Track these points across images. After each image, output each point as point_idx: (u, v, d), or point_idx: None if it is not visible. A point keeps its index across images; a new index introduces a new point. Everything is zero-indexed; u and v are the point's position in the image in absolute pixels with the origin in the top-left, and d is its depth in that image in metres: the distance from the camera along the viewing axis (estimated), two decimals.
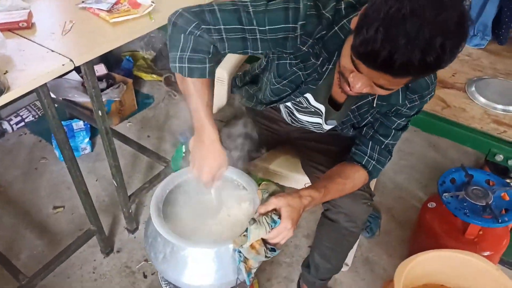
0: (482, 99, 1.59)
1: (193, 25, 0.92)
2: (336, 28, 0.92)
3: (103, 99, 2.17)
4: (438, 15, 0.71)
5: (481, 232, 1.44)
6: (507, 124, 1.48)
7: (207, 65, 0.94)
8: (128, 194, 1.66)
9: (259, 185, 1.05)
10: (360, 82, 0.87)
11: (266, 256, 0.94)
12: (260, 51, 0.99)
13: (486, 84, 1.66)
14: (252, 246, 0.94)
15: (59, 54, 1.15)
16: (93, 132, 2.21)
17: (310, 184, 1.36)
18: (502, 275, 1.25)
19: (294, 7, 0.91)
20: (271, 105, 1.23)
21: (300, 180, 1.39)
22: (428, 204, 1.56)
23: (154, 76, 2.62)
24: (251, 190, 1.06)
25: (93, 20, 1.33)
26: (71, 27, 1.27)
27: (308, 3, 0.91)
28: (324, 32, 0.93)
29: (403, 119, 1.10)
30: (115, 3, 1.38)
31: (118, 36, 1.27)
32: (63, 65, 1.11)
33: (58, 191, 1.95)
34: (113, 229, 1.79)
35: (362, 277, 1.62)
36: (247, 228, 0.93)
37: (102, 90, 2.21)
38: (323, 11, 0.92)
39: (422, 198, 1.92)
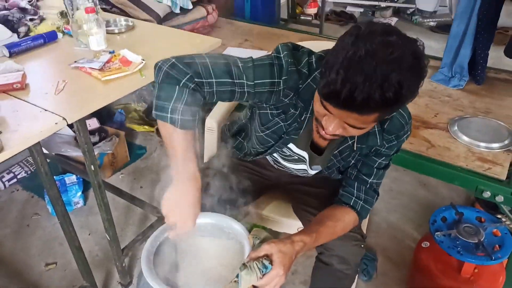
0: (465, 138, 1.64)
1: (187, 77, 0.93)
2: (309, 80, 1.00)
3: (96, 152, 2.21)
4: (391, 54, 0.77)
5: (476, 270, 1.44)
6: (491, 161, 1.52)
7: (197, 118, 0.97)
8: (121, 247, 1.65)
9: (250, 231, 1.06)
10: (332, 124, 0.91)
11: None
12: (244, 100, 1.04)
13: (467, 123, 1.72)
14: None
15: (52, 112, 1.18)
16: (85, 186, 2.21)
17: (303, 228, 1.38)
18: None
19: (278, 64, 0.98)
20: (258, 157, 1.26)
21: (292, 225, 1.40)
22: (422, 244, 1.56)
23: (146, 127, 2.67)
24: (241, 237, 1.06)
25: (85, 78, 1.38)
26: (63, 86, 1.32)
27: (289, 60, 0.99)
28: (301, 85, 1.00)
29: (384, 158, 1.14)
30: (107, 62, 1.44)
31: (109, 93, 1.32)
32: (56, 123, 1.14)
33: (51, 247, 1.93)
34: (106, 284, 1.76)
35: None
36: (237, 274, 0.93)
37: (95, 143, 2.24)
38: (299, 67, 0.99)
39: (416, 238, 1.92)
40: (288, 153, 1.21)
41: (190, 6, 2.40)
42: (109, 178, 2.35)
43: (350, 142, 1.10)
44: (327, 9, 4.14)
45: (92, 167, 1.38)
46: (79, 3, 1.52)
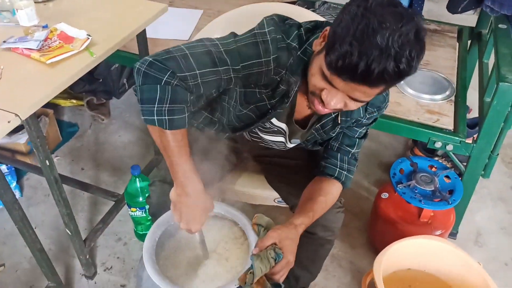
0: (411, 91, 1.73)
1: (168, 74, 0.87)
2: (299, 53, 0.97)
3: (25, 138, 1.98)
4: (402, 26, 0.77)
5: (432, 214, 1.58)
6: (438, 113, 1.63)
7: (186, 115, 0.90)
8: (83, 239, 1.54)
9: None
10: (334, 98, 0.89)
11: None
12: (232, 86, 0.99)
13: (412, 76, 1.80)
14: (257, 283, 0.93)
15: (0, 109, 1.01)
16: (18, 175, 1.99)
17: (280, 198, 1.39)
18: (460, 251, 1.39)
19: (263, 41, 0.93)
20: (237, 133, 1.22)
21: (269, 196, 1.40)
22: (381, 195, 1.66)
23: (74, 101, 2.42)
24: (243, 225, 1.04)
25: (24, 62, 1.19)
26: (1, 74, 1.13)
27: (277, 36, 0.94)
28: (292, 60, 0.96)
29: (364, 128, 1.17)
30: (44, 40, 1.25)
31: (58, 78, 1.15)
32: (8, 121, 0.98)
33: None
34: (69, 278, 1.65)
35: (333, 274, 1.69)
36: (251, 265, 0.93)
37: (21, 127, 1.99)
38: (289, 41, 0.96)
39: (368, 187, 2.05)
40: (268, 126, 1.18)
41: None
42: None
43: (333, 115, 1.10)
44: None
45: (47, 161, 1.23)
46: None
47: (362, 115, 1.10)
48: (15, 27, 1.33)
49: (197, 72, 0.89)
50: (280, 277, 0.97)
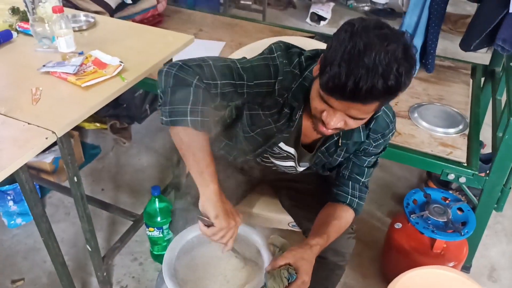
0: (425, 124, 1.78)
1: (197, 78, 0.93)
2: (300, 80, 1.04)
3: (51, 157, 2.07)
4: (387, 45, 0.83)
5: (445, 245, 1.59)
6: (451, 146, 1.67)
7: (212, 120, 0.96)
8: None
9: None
10: (334, 118, 0.94)
11: None
12: (243, 100, 1.08)
13: (425, 110, 1.86)
14: None
15: (38, 126, 1.09)
16: (42, 193, 2.07)
17: (294, 223, 1.42)
18: (473, 283, 1.39)
19: (273, 64, 1.02)
20: (247, 157, 1.27)
21: (283, 220, 1.44)
22: (394, 225, 1.69)
23: (98, 124, 2.53)
24: (258, 244, 1.08)
25: (61, 85, 1.28)
26: (40, 95, 1.22)
27: (283, 61, 1.03)
28: (294, 85, 1.04)
29: (372, 157, 1.20)
30: (80, 65, 1.35)
31: (92, 100, 1.24)
32: (46, 138, 1.06)
33: (14, 263, 1.79)
34: None
35: None
36: (265, 283, 0.96)
37: (48, 147, 2.08)
38: (292, 68, 1.03)
39: (381, 217, 2.07)
40: (277, 151, 1.24)
41: None
42: (65, 182, 2.21)
43: (336, 138, 1.15)
44: None
45: (75, 178, 1.30)
46: (40, 0, 1.39)
47: (363, 139, 1.13)
48: (53, 53, 1.44)
49: (219, 82, 0.97)
50: None
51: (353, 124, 0.96)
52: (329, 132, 1.01)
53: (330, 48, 0.88)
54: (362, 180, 1.22)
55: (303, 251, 1.02)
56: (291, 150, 1.22)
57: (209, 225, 0.95)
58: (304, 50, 1.10)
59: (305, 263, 1.00)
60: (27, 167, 1.12)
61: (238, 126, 1.23)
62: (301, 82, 1.04)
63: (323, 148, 1.18)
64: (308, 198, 1.38)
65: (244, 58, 1.06)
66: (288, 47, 1.08)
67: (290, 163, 1.29)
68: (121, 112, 2.49)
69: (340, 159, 1.21)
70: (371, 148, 1.17)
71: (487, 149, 2.30)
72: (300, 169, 1.31)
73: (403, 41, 0.86)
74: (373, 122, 1.10)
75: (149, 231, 1.71)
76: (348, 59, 0.82)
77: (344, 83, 0.83)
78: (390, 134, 1.16)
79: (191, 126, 0.90)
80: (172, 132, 0.94)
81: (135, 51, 1.49)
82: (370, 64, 0.81)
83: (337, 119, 0.94)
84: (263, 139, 1.18)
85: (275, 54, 1.03)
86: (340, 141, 1.15)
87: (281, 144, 1.21)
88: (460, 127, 1.76)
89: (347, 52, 0.83)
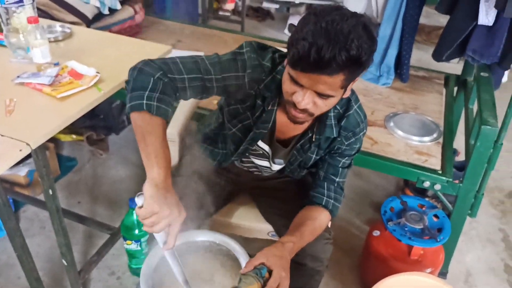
0: (400, 133, 1.82)
1: (160, 72, 0.98)
2: (273, 73, 1.09)
3: (26, 170, 2.03)
4: (347, 21, 0.90)
5: (422, 252, 1.62)
6: (426, 154, 1.71)
7: (170, 109, 0.99)
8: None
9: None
10: (304, 97, 0.98)
11: None
12: (214, 95, 1.11)
13: (401, 119, 1.90)
14: None
15: (11, 138, 1.07)
16: (16, 207, 2.02)
17: (274, 232, 1.43)
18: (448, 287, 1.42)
19: (241, 59, 1.08)
20: (232, 159, 1.29)
21: (263, 229, 1.44)
22: (372, 233, 1.71)
23: (74, 136, 2.48)
24: (239, 251, 1.07)
25: (35, 96, 1.26)
26: (14, 106, 1.19)
27: (252, 56, 1.08)
28: (265, 77, 1.09)
29: (346, 158, 1.23)
30: (55, 76, 1.33)
31: (67, 111, 1.22)
32: (20, 150, 1.04)
33: None
34: None
35: None
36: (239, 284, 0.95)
37: (22, 160, 2.04)
38: (263, 62, 1.09)
39: (359, 225, 2.09)
40: (255, 148, 1.26)
41: (119, 7, 2.27)
42: (40, 195, 2.16)
43: (310, 135, 1.18)
44: None
45: (50, 191, 1.28)
46: (14, 10, 1.37)
47: (335, 135, 1.17)
48: (28, 64, 1.41)
49: (185, 76, 1.02)
50: None
51: (322, 105, 1.00)
52: (301, 116, 1.04)
53: (296, 28, 0.93)
54: (337, 180, 1.24)
55: (275, 249, 1.03)
56: (266, 148, 1.25)
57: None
58: (280, 50, 1.14)
59: (278, 259, 1.00)
60: (0, 180, 1.09)
61: (223, 128, 1.27)
62: (274, 75, 1.09)
63: (298, 145, 1.21)
64: (287, 206, 1.38)
65: (215, 54, 1.10)
66: (262, 47, 1.13)
67: (265, 162, 1.31)
68: (98, 123, 2.46)
69: (314, 156, 1.24)
70: (344, 147, 1.20)
71: (461, 157, 2.36)
72: (275, 167, 1.33)
73: (363, 19, 0.92)
74: (344, 120, 1.15)
75: (127, 244, 1.69)
76: (312, 34, 0.89)
77: (307, 53, 0.88)
78: (361, 133, 1.20)
79: (145, 109, 0.93)
80: (131, 119, 0.97)
81: (112, 61, 1.48)
82: (332, 35, 0.87)
83: (307, 98, 0.98)
84: (243, 134, 1.21)
85: (244, 50, 1.09)
86: (314, 137, 1.18)
87: (259, 142, 1.23)
88: (435, 135, 1.80)
89: (311, 29, 0.89)
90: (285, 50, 1.11)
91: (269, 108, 1.13)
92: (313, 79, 0.93)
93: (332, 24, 0.88)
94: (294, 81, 0.97)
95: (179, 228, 0.94)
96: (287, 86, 1.01)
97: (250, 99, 1.13)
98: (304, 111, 1.02)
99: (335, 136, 1.17)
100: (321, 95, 0.97)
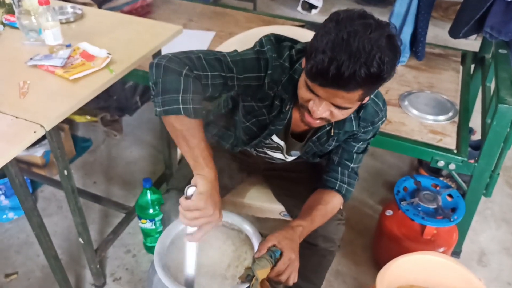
0: (415, 112, 1.79)
1: (187, 68, 0.95)
2: (290, 72, 1.06)
3: (42, 151, 2.06)
4: (371, 33, 0.85)
5: (435, 232, 1.61)
6: (441, 133, 1.69)
7: (203, 107, 0.97)
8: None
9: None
10: (319, 107, 0.96)
11: None
12: (234, 92, 1.10)
13: (416, 97, 1.87)
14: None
15: (26, 120, 1.08)
16: (33, 187, 2.06)
17: (286, 212, 1.44)
18: (462, 267, 1.42)
19: (264, 58, 1.04)
20: (245, 147, 1.29)
21: (275, 210, 1.45)
22: (385, 213, 1.70)
23: (88, 117, 2.51)
24: (251, 232, 1.08)
25: (48, 78, 1.27)
26: (28, 88, 1.21)
27: (273, 55, 1.04)
28: (283, 78, 1.06)
29: (361, 143, 1.22)
30: (68, 58, 1.34)
31: (80, 93, 1.23)
32: (34, 132, 1.05)
33: (6, 257, 1.79)
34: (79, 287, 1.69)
35: None
36: (252, 270, 0.96)
37: (38, 141, 2.07)
38: (282, 61, 1.05)
39: (373, 206, 2.09)
40: (268, 141, 1.26)
41: None
42: (57, 175, 2.20)
43: (328, 128, 1.16)
44: None
45: (65, 172, 1.30)
46: None
47: (355, 129, 1.15)
48: (41, 46, 1.42)
49: (209, 73, 0.98)
50: (288, 278, 1.00)
51: (339, 114, 0.98)
52: (316, 123, 1.02)
53: (316, 37, 0.89)
54: (352, 166, 1.23)
55: (285, 232, 1.04)
56: (281, 143, 1.24)
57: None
58: (296, 43, 1.11)
59: (288, 242, 1.02)
60: (17, 161, 1.11)
61: (236, 115, 1.25)
62: (291, 75, 1.05)
63: (314, 138, 1.20)
64: (299, 187, 1.39)
65: (235, 51, 1.07)
66: (279, 40, 1.09)
67: (279, 155, 1.31)
68: (112, 104, 2.47)
69: (331, 147, 1.23)
70: (360, 134, 1.19)
71: (477, 136, 2.32)
72: (290, 159, 1.32)
73: (387, 30, 0.88)
74: (362, 111, 1.12)
75: (142, 223, 1.72)
76: (331, 47, 0.84)
77: (326, 69, 0.85)
78: (380, 122, 1.18)
79: (183, 114, 0.92)
80: (166, 122, 0.96)
81: (123, 42, 1.48)
82: (353, 50, 0.83)
83: (322, 108, 0.95)
84: (258, 129, 1.20)
85: (265, 48, 1.05)
86: (332, 131, 1.16)
87: (273, 136, 1.22)
88: (450, 114, 1.77)
89: (331, 40, 0.85)
90: (300, 40, 1.10)
91: (286, 109, 1.11)
92: (330, 93, 0.91)
93: (355, 37, 0.83)
94: (311, 90, 0.94)
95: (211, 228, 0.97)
96: (303, 92, 0.98)
97: (268, 99, 1.10)
98: (320, 118, 0.99)
99: (354, 129, 1.15)
100: (337, 106, 0.95)
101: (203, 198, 0.92)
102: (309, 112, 0.99)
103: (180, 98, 0.91)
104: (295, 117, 1.15)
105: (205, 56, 1.00)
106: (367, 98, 1.02)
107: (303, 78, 0.96)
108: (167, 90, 0.92)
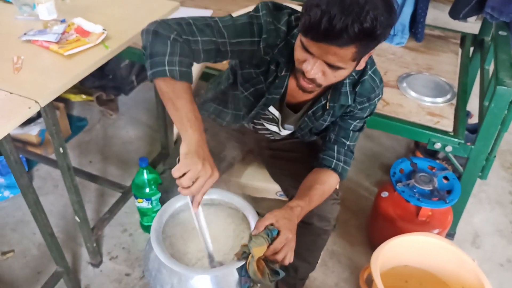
0: (413, 94, 1.78)
1: (176, 33, 0.95)
2: (288, 37, 1.05)
3: (37, 129, 2.04)
4: None
5: (430, 213, 1.62)
6: (438, 115, 1.68)
7: (191, 70, 0.97)
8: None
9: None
10: (313, 66, 0.96)
11: (270, 280, 0.97)
12: (229, 59, 1.09)
13: (414, 79, 1.86)
14: (257, 268, 0.97)
15: (20, 95, 1.07)
16: (29, 166, 2.05)
17: (282, 192, 1.44)
18: (456, 248, 1.43)
19: (258, 23, 1.04)
20: (243, 122, 1.28)
21: (271, 189, 1.45)
22: (381, 194, 1.71)
23: (84, 96, 2.48)
24: (246, 210, 1.08)
25: (43, 53, 1.25)
26: (22, 63, 1.19)
27: (268, 20, 1.04)
28: (279, 42, 1.05)
29: (358, 121, 1.22)
30: (62, 33, 1.31)
31: (75, 69, 1.21)
32: (29, 108, 1.04)
33: (3, 235, 1.79)
34: (76, 266, 1.70)
35: (332, 269, 1.74)
36: (249, 247, 0.96)
37: (34, 119, 2.06)
38: (279, 25, 1.05)
39: (369, 187, 2.10)
40: (265, 112, 1.25)
41: None
42: (52, 154, 2.19)
43: (323, 102, 1.16)
44: None
45: (61, 149, 1.29)
46: None
47: (350, 103, 1.15)
48: (34, 21, 1.39)
49: (199, 39, 0.98)
50: (284, 257, 1.00)
51: (332, 76, 0.98)
52: (309, 86, 1.02)
53: None
54: (348, 143, 1.23)
55: (284, 211, 1.05)
56: (276, 113, 1.24)
57: None
58: (297, 11, 1.09)
59: (286, 221, 1.02)
60: (12, 139, 1.10)
61: (235, 89, 1.25)
62: (288, 39, 1.05)
63: (309, 112, 1.20)
64: (295, 166, 1.39)
65: (229, 15, 1.07)
66: (278, 7, 1.08)
67: (274, 127, 1.31)
68: (107, 84, 2.45)
69: (326, 123, 1.23)
70: (357, 111, 1.19)
71: (474, 120, 2.32)
72: (284, 132, 1.32)
73: None
74: (359, 86, 1.12)
75: (138, 202, 1.72)
76: (326, 1, 0.85)
77: (318, 22, 0.85)
78: (376, 98, 1.18)
79: (169, 75, 0.92)
80: (156, 86, 0.96)
81: (119, 18, 1.45)
82: (346, 4, 0.84)
83: (316, 68, 0.96)
84: (255, 99, 1.19)
85: (260, 13, 1.04)
86: (327, 104, 1.16)
87: (270, 107, 1.21)
88: (448, 96, 1.76)
89: None
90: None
91: (282, 74, 1.10)
92: (323, 49, 0.91)
93: None
94: (305, 48, 0.94)
95: (210, 187, 0.93)
96: (298, 53, 0.98)
97: (264, 64, 1.10)
98: (312, 81, 1.00)
99: (350, 103, 1.15)
100: (331, 66, 0.95)
101: (188, 157, 0.89)
102: (303, 75, 0.99)
103: (166, 60, 0.92)
104: (291, 87, 1.14)
105: (196, 22, 1.00)
106: (362, 64, 1.01)
107: (298, 39, 0.96)
108: (155, 53, 0.93)
